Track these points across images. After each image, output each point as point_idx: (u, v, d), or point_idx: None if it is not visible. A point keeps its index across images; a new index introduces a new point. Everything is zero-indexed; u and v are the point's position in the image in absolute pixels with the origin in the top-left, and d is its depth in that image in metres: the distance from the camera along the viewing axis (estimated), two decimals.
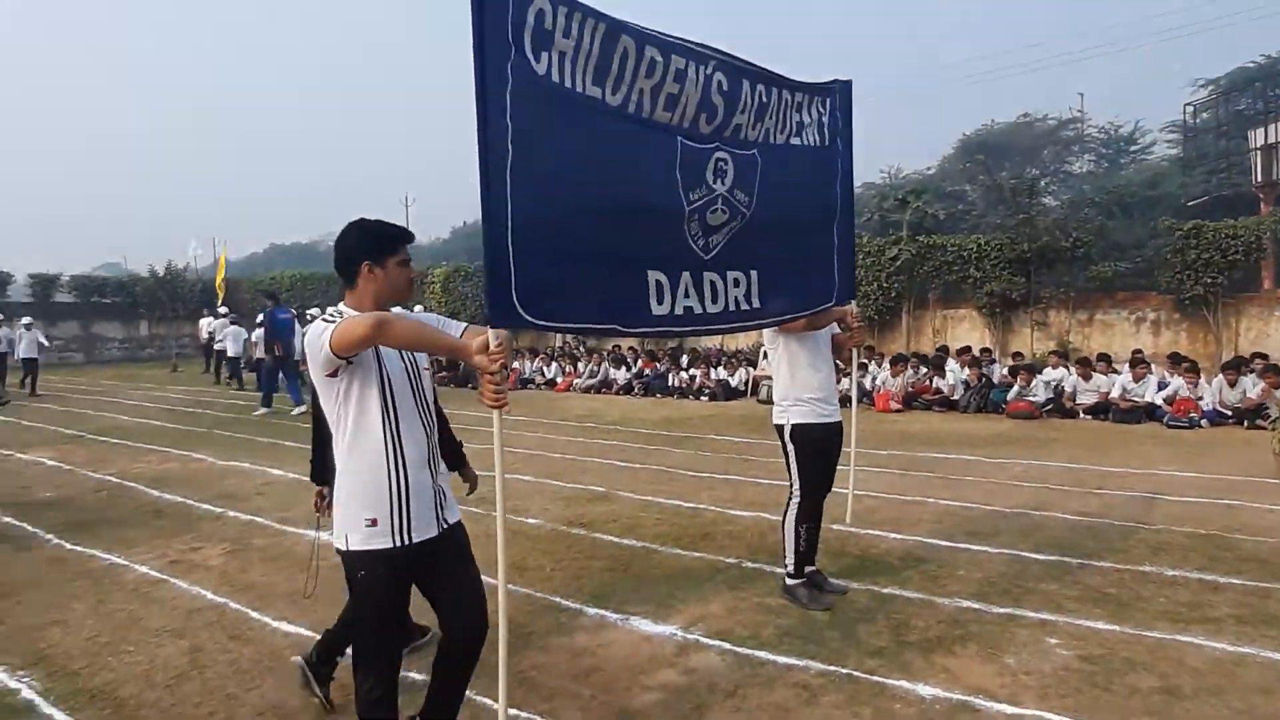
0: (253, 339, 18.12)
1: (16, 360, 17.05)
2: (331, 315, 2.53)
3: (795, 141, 4.21)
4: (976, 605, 4.44)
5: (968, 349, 14.24)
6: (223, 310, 20.13)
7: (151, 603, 4.81)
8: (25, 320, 17.83)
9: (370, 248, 2.57)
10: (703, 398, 14.74)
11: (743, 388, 15.13)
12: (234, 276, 34.22)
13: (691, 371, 15.65)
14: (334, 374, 2.49)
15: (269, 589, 5.00)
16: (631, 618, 4.38)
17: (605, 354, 17.41)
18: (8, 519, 6.77)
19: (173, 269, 30.54)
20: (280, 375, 13.79)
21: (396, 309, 2.65)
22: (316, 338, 2.45)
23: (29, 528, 6.51)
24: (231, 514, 6.82)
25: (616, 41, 2.91)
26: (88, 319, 29.31)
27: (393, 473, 2.54)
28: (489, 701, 3.32)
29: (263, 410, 13.46)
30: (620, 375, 16.37)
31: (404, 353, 2.61)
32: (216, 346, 19.59)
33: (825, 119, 4.41)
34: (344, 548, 2.58)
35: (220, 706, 3.54)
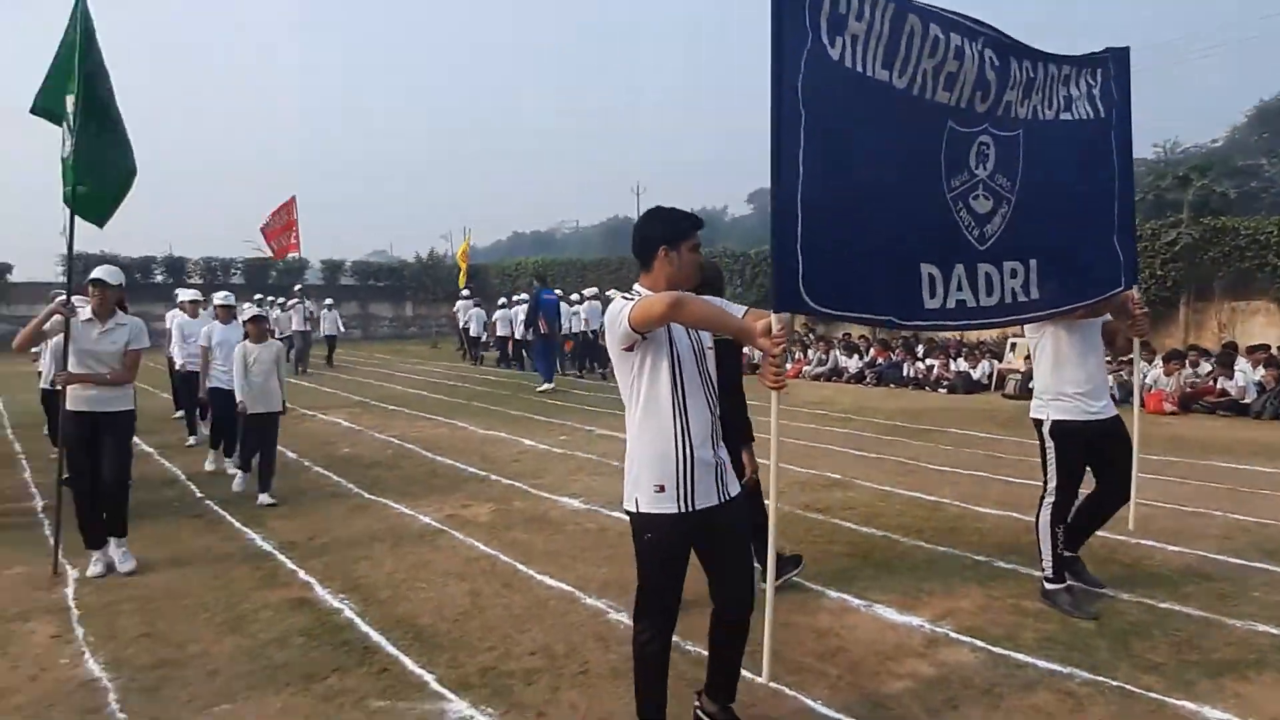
0: (493, 320, 19.75)
1: (319, 335, 19.76)
2: (629, 295, 2.75)
3: (1065, 117, 3.95)
4: (1276, 631, 3.96)
5: (1264, 347, 12.43)
6: (464, 293, 21.92)
7: (436, 549, 5.46)
8: (328, 301, 20.60)
9: (667, 233, 2.76)
10: (940, 390, 14.07)
11: (986, 381, 14.26)
12: (481, 263, 37.34)
13: (929, 362, 14.98)
14: (630, 349, 2.72)
15: (530, 546, 5.49)
16: (875, 605, 4.36)
17: (836, 341, 17.09)
18: (318, 469, 7.94)
19: (434, 255, 33.86)
20: (544, 351, 14.60)
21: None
22: (616, 314, 2.68)
23: (334, 477, 7.61)
24: (493, 478, 7.54)
25: (904, 21, 2.90)
26: (365, 300, 33.24)
27: (679, 443, 2.72)
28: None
29: (547, 385, 14.06)
30: (851, 363, 16.02)
31: (690, 332, 2.78)
32: (461, 325, 21.46)
33: (1097, 90, 4.09)
34: (633, 510, 2.80)
35: (499, 643, 3.97)
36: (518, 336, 18.86)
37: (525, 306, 18.98)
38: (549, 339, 14.58)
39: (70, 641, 4.02)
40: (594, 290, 18.25)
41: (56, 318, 4.80)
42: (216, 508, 6.52)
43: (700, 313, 2.61)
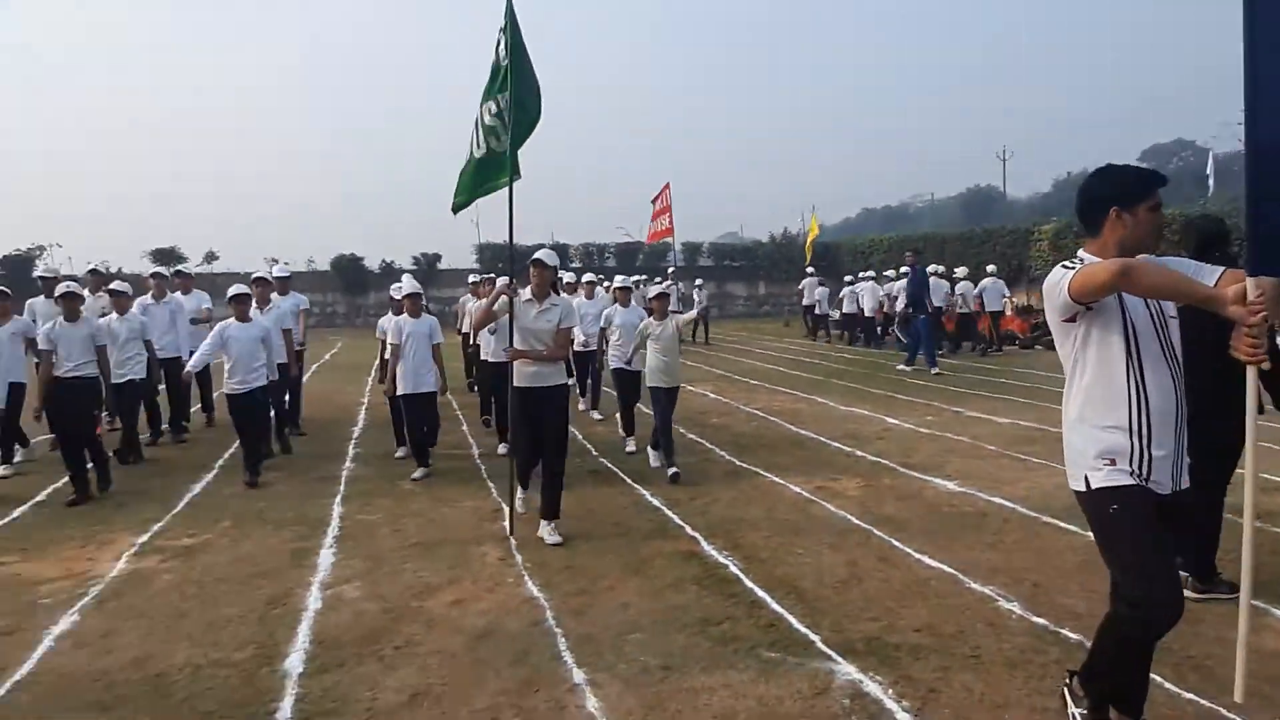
0: (840, 296, 19.53)
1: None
2: (1071, 263, 2.57)
3: None
4: None
5: None
6: (809, 271, 22.00)
7: (808, 518, 5.61)
8: (698, 281, 21.88)
9: (1120, 193, 2.53)
10: None
11: None
12: (831, 240, 37.02)
13: None
14: (1071, 319, 2.54)
15: (905, 524, 5.40)
16: None
17: None
18: (691, 436, 8.53)
19: (787, 234, 34.36)
20: (929, 330, 13.68)
21: (1142, 255, 2.55)
22: (1056, 284, 2.52)
23: (707, 444, 8.12)
24: (859, 454, 7.51)
25: None
26: (720, 279, 34.70)
27: (1135, 422, 2.49)
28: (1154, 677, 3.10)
29: (934, 369, 13.08)
30: None
31: (1149, 300, 2.53)
32: (804, 303, 21.58)
33: None
34: (1083, 489, 2.59)
35: (882, 615, 3.99)
36: (867, 313, 18.50)
37: (869, 285, 18.55)
38: (932, 316, 13.77)
39: (512, 565, 4.82)
40: (936, 268, 17.22)
41: (503, 299, 5.41)
42: (611, 466, 7.32)
43: (1155, 280, 2.34)
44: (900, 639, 3.72)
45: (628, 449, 7.88)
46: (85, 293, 7.74)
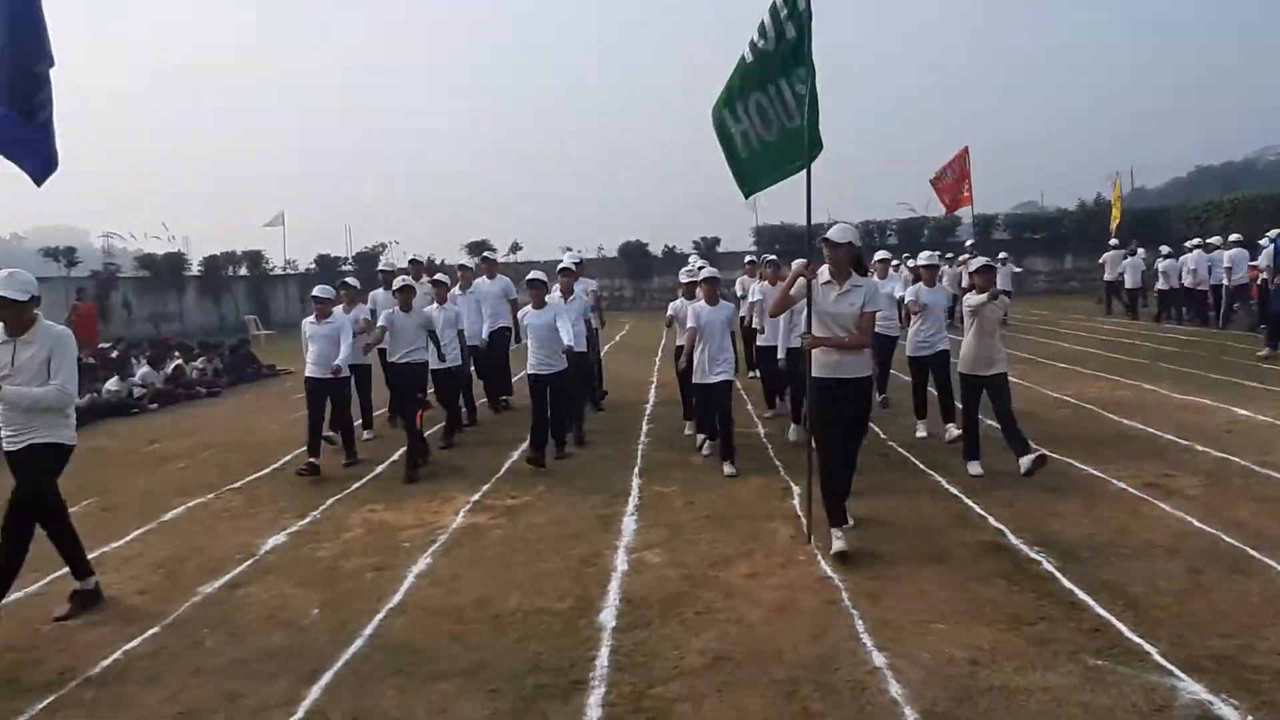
0: (1161, 270, 16.97)
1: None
2: None
3: None
4: None
5: None
6: (1112, 242, 19.45)
7: (1136, 517, 5.02)
8: (1001, 255, 20.23)
9: None
10: None
11: None
12: (1158, 204, 32.38)
13: None
14: None
15: (1262, 530, 4.66)
16: None
17: None
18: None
19: (1100, 200, 30.61)
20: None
21: None
22: None
23: None
24: (1199, 448, 6.56)
25: None
26: (1017, 254, 31.71)
27: None
28: None
29: (1265, 350, 11.30)
30: None
31: None
32: (1106, 278, 19.23)
33: None
34: None
35: (1236, 632, 3.48)
36: (1190, 286, 15.98)
37: (1196, 254, 15.89)
38: None
39: (805, 543, 4.84)
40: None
41: (801, 282, 4.96)
42: (902, 450, 7.06)
43: None
44: (1261, 661, 3.24)
45: (918, 434, 7.53)
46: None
